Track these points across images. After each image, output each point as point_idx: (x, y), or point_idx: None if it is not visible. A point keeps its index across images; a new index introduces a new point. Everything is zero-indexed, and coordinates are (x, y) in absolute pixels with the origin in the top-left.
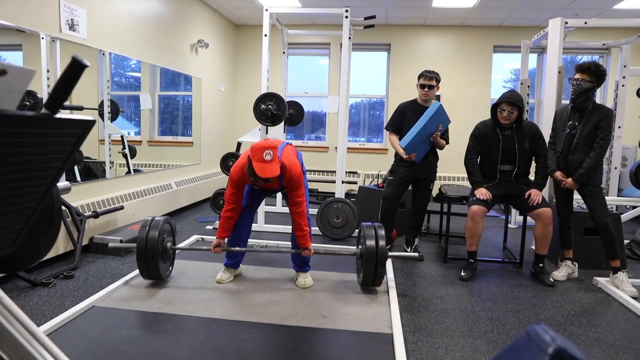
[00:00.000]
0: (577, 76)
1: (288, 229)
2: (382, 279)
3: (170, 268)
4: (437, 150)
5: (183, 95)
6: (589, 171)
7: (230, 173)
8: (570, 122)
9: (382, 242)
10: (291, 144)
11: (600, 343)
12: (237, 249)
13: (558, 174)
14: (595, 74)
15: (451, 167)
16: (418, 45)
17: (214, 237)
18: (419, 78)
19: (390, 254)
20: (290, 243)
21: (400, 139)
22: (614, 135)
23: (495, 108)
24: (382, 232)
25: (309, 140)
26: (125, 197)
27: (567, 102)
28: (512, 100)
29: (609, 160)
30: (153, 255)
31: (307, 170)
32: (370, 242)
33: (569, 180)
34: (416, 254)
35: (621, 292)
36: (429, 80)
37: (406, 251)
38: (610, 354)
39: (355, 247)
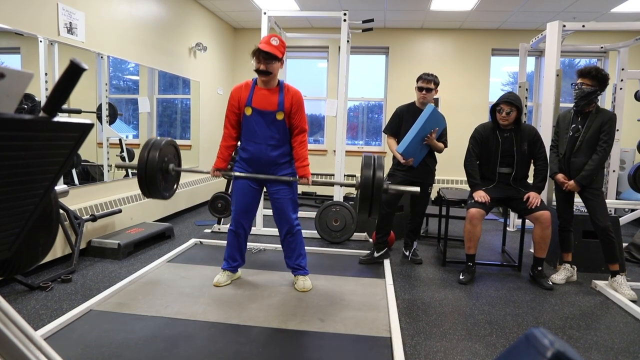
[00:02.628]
0: (578, 81)
1: None
2: (378, 208)
3: (175, 187)
4: (436, 153)
5: (181, 99)
6: (591, 174)
7: (230, 94)
8: (574, 125)
9: (379, 173)
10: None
11: (599, 346)
12: (234, 173)
13: (560, 176)
14: (596, 77)
15: (450, 170)
16: (416, 49)
17: (213, 241)
18: (417, 81)
19: (391, 187)
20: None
21: (398, 142)
22: None
23: (494, 109)
24: (380, 162)
25: (308, 144)
26: (123, 201)
27: (566, 105)
28: (510, 100)
29: (608, 163)
30: (153, 176)
31: None
32: (367, 172)
33: (571, 182)
34: (416, 188)
35: (620, 295)
36: (427, 83)
37: (405, 254)
38: (609, 358)
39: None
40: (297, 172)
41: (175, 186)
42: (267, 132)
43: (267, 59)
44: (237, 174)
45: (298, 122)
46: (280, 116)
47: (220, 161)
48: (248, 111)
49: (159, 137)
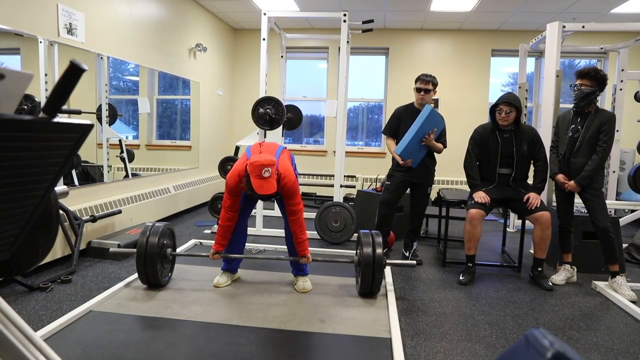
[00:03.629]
0: (577, 82)
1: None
2: (380, 287)
3: (170, 274)
4: (436, 154)
5: (181, 99)
6: (592, 174)
7: (227, 181)
8: (573, 126)
9: (378, 251)
10: (286, 149)
11: (599, 347)
12: (236, 255)
13: (560, 176)
14: (594, 78)
15: (450, 171)
16: (416, 49)
17: (212, 241)
18: (415, 82)
19: (388, 261)
20: (286, 247)
21: (397, 143)
22: None
23: (493, 110)
24: (379, 239)
25: (307, 144)
26: (123, 201)
27: (566, 106)
28: (509, 101)
29: (608, 164)
30: (153, 261)
31: (305, 174)
32: (367, 250)
33: (571, 183)
34: (414, 262)
35: (620, 296)
36: (426, 84)
37: (405, 255)
38: (609, 358)
39: (354, 253)
40: (296, 249)
41: (170, 274)
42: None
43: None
44: (234, 255)
45: (292, 207)
46: (278, 195)
47: (220, 239)
48: (248, 194)
49: (157, 223)
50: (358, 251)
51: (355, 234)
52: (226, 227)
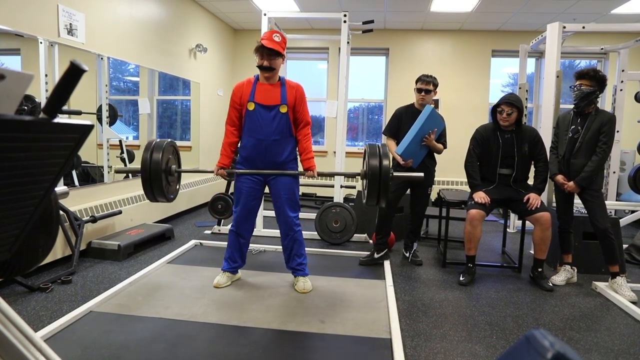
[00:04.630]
0: (576, 83)
1: None
2: (386, 198)
3: (178, 187)
4: (436, 154)
5: (181, 100)
6: (591, 175)
7: (232, 90)
8: (573, 127)
9: (385, 162)
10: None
11: (599, 348)
12: (239, 171)
13: (559, 177)
14: (594, 78)
15: (450, 172)
16: (416, 50)
17: (213, 242)
18: (416, 82)
19: (395, 174)
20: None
21: (397, 143)
22: None
23: (495, 110)
24: (385, 150)
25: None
26: (123, 202)
27: (566, 106)
28: (511, 101)
29: (608, 164)
30: (158, 177)
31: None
32: (374, 162)
33: (571, 183)
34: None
35: (620, 296)
36: (426, 84)
37: (405, 255)
38: (610, 359)
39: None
40: (302, 164)
41: (177, 187)
42: (271, 127)
43: (270, 55)
44: (241, 171)
45: (302, 116)
46: (283, 109)
47: (224, 158)
48: (251, 106)
49: (159, 139)
50: (365, 164)
51: (356, 235)
52: (229, 143)
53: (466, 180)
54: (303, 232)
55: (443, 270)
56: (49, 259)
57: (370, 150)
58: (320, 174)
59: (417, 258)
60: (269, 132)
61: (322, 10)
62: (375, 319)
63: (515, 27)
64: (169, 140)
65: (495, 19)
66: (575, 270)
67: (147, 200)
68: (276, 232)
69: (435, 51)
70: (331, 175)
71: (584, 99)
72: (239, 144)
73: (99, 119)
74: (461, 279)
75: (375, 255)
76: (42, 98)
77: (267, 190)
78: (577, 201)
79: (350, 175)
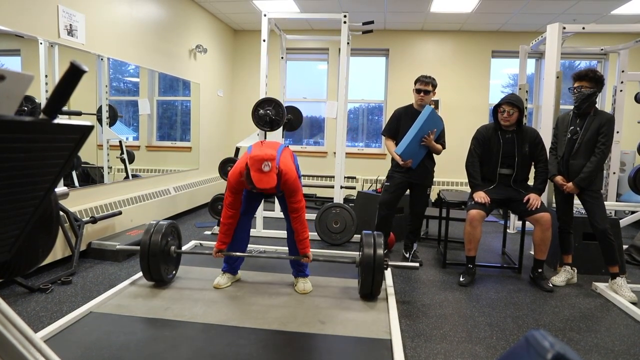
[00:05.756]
0: (576, 85)
1: (285, 234)
2: (380, 289)
3: (174, 272)
4: (435, 155)
5: (181, 100)
6: (590, 176)
7: (228, 178)
8: (572, 128)
9: (379, 251)
10: (288, 148)
11: (599, 349)
12: (238, 254)
13: (559, 178)
14: (593, 79)
15: (450, 172)
16: (416, 51)
17: (213, 242)
18: (415, 83)
19: (390, 263)
20: (287, 248)
21: (397, 144)
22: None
23: (496, 110)
24: (380, 240)
25: (308, 145)
26: (123, 203)
27: (566, 107)
28: (512, 101)
29: (608, 165)
30: (156, 260)
31: (305, 175)
32: (369, 251)
33: (570, 184)
34: (416, 264)
35: (620, 297)
36: (425, 85)
37: (405, 256)
38: None
39: (354, 254)
40: (298, 247)
41: (174, 272)
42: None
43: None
44: (237, 254)
45: (292, 205)
46: (280, 193)
47: (223, 237)
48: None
49: (161, 221)
50: (360, 253)
51: (356, 235)
52: (228, 224)
53: (466, 180)
54: None
55: (443, 271)
56: (49, 259)
57: (365, 240)
58: (316, 260)
59: (417, 258)
60: (268, 195)
61: (322, 11)
62: (375, 320)
63: (515, 27)
64: (171, 221)
65: (495, 19)
66: (575, 271)
67: (148, 201)
68: (276, 233)
69: (435, 52)
70: (327, 260)
71: (585, 101)
72: None
73: (99, 120)
74: (461, 279)
75: None
76: (42, 99)
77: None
78: (577, 202)
79: (345, 261)
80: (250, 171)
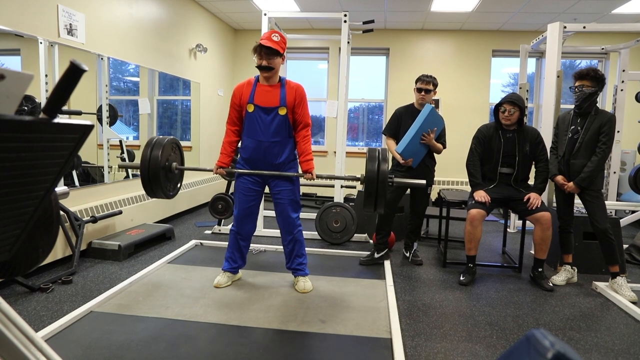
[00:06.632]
0: (577, 83)
1: None
2: (383, 202)
3: (179, 185)
4: (435, 154)
5: (182, 100)
6: (591, 175)
7: (233, 92)
8: (573, 127)
9: (383, 166)
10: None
11: (599, 348)
12: (240, 170)
13: (559, 177)
14: (594, 78)
15: (450, 172)
16: (417, 50)
17: (213, 242)
18: (416, 82)
19: (395, 180)
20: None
21: (397, 143)
22: None
23: (497, 109)
24: (385, 155)
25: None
26: (123, 202)
27: (567, 106)
28: (513, 100)
29: (608, 164)
30: (157, 175)
31: None
32: (372, 165)
33: (570, 184)
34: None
35: (620, 296)
36: (426, 84)
37: (405, 255)
38: (610, 359)
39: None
40: (301, 166)
41: (179, 185)
42: (270, 129)
43: (269, 55)
44: (240, 170)
45: (301, 117)
46: (282, 111)
47: (223, 156)
48: (250, 108)
49: (161, 136)
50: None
51: (356, 235)
52: (229, 142)
53: (466, 180)
54: (303, 232)
55: (443, 270)
56: (49, 259)
57: (369, 154)
58: (320, 177)
59: (417, 258)
60: (268, 134)
61: (323, 10)
62: (375, 319)
63: (516, 27)
64: (171, 137)
65: (496, 18)
66: (576, 270)
67: (148, 201)
68: (276, 232)
69: (435, 51)
70: (331, 178)
71: (587, 100)
72: (240, 145)
73: (99, 119)
74: (461, 278)
75: (376, 255)
76: (42, 98)
77: (267, 189)
78: (577, 201)
79: (350, 179)
80: (260, 40)
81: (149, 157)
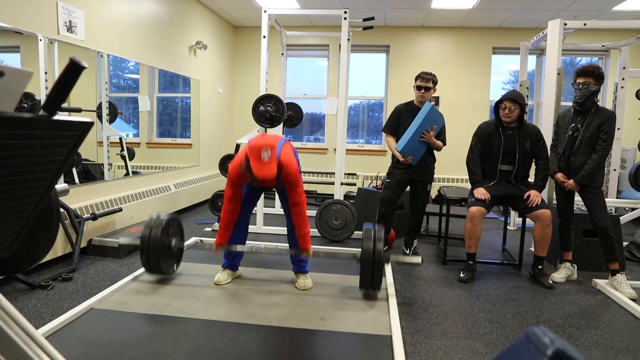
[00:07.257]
0: (580, 80)
1: (286, 230)
2: (381, 282)
3: (176, 266)
4: (435, 152)
5: (182, 97)
6: (591, 173)
7: (229, 171)
8: (573, 125)
9: (380, 245)
10: (289, 141)
11: (599, 345)
12: (239, 247)
13: (559, 175)
14: (598, 76)
15: (450, 169)
16: (417, 47)
17: (213, 239)
18: (415, 80)
19: (391, 257)
20: (287, 244)
21: (397, 140)
22: None
23: (497, 106)
24: (381, 234)
25: (308, 142)
26: (123, 199)
27: (567, 103)
28: (513, 97)
29: (608, 162)
30: (156, 253)
31: (306, 172)
32: (368, 245)
33: (571, 181)
34: (418, 259)
35: (620, 294)
36: (426, 82)
37: (405, 253)
38: (609, 356)
39: (354, 251)
40: (298, 243)
41: (176, 266)
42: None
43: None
44: (234, 246)
45: (293, 198)
46: (280, 187)
47: (223, 232)
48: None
49: (161, 215)
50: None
51: (356, 232)
52: (228, 219)
53: (466, 177)
54: None
55: (443, 268)
56: (49, 256)
57: (365, 234)
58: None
59: (417, 255)
60: (267, 188)
61: (323, 7)
62: (375, 316)
63: (516, 24)
64: (172, 216)
65: (496, 16)
66: (576, 267)
67: (148, 198)
68: (276, 230)
69: (435, 48)
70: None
71: (590, 98)
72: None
73: (99, 117)
74: (461, 276)
75: None
76: (41, 95)
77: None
78: (577, 199)
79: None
80: (250, 160)
81: (148, 237)
